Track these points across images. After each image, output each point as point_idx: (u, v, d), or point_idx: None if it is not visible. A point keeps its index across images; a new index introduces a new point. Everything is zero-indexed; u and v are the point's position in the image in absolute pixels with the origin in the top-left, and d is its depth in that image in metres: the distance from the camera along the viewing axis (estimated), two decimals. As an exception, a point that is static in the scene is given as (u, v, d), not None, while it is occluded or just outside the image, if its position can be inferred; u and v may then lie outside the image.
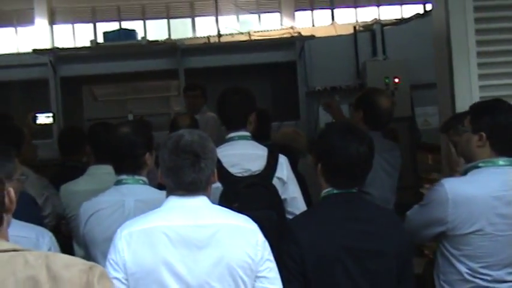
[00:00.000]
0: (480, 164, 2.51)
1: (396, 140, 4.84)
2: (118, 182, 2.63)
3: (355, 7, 17.94)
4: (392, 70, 6.22)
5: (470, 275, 2.46)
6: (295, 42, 6.32)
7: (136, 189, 2.58)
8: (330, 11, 17.96)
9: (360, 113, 3.50)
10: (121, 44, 6.04)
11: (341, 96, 6.06)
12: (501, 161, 2.47)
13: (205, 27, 15.95)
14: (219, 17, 17.25)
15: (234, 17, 17.35)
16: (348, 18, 16.23)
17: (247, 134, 3.10)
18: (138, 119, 3.04)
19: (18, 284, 1.39)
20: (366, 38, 6.56)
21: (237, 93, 3.20)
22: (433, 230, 2.54)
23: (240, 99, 3.16)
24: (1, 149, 2.34)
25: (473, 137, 2.53)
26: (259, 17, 17.74)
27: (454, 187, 2.49)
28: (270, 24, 14.82)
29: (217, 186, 2.86)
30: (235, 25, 16.54)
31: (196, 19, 17.08)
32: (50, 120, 4.90)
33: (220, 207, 2.23)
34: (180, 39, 7.56)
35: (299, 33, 6.56)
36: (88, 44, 6.17)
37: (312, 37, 6.17)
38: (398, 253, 2.32)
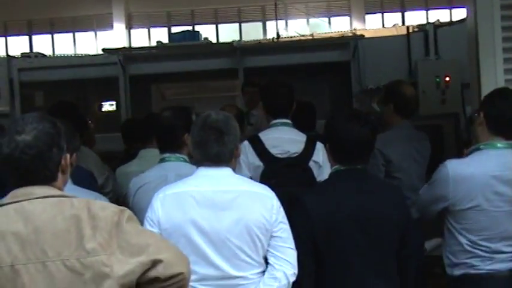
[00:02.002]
0: (481, 146, 2.77)
1: (441, 135, 5.04)
2: (162, 160, 3.04)
3: (427, 10, 17.90)
4: (444, 69, 6.37)
5: (470, 246, 2.73)
6: (350, 43, 6.56)
7: (177, 165, 2.97)
8: (400, 13, 18.01)
9: (390, 106, 3.78)
10: (184, 45, 6.49)
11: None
12: (499, 144, 2.72)
13: (275, 30, 16.34)
14: (290, 21, 17.68)
15: (304, 20, 17.69)
16: (418, 19, 16.24)
17: (289, 121, 3.51)
18: (180, 107, 3.47)
19: (65, 219, 1.79)
20: (419, 39, 6.72)
21: (282, 85, 3.59)
22: (437, 205, 2.82)
23: (284, 91, 3.55)
24: (69, 128, 2.77)
25: (476, 118, 2.80)
26: (330, 20, 17.99)
27: (455, 167, 2.76)
28: (340, 28, 15.06)
29: (259, 164, 3.28)
30: (306, 29, 16.89)
31: (267, 23, 17.49)
32: (113, 108, 5.40)
33: (241, 177, 2.60)
34: (248, 41, 7.94)
35: (354, 33, 6.79)
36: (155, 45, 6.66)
37: (362, 37, 6.40)
38: (400, 222, 2.61)
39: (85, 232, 1.77)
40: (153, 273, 1.77)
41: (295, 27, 16.96)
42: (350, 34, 6.87)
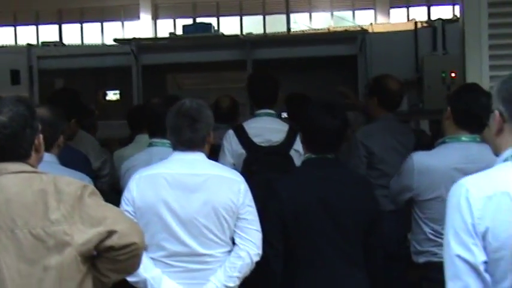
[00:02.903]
0: (446, 140, 2.90)
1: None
2: (149, 145, 3.26)
3: (453, 5, 17.77)
4: (450, 65, 6.41)
5: (433, 234, 2.85)
6: (357, 37, 6.66)
7: (162, 150, 3.15)
8: (426, 7, 17.91)
9: (374, 99, 3.92)
10: (195, 36, 6.69)
11: (400, 88, 6.40)
12: (464, 137, 2.84)
13: (301, 23, 16.42)
14: (314, 14, 17.75)
15: (328, 13, 17.74)
16: (445, 14, 16.13)
17: (272, 112, 3.66)
18: (170, 95, 3.67)
19: (34, 193, 1.99)
20: (427, 34, 6.79)
21: (267, 78, 3.77)
22: (404, 195, 2.96)
23: (269, 83, 3.71)
24: (57, 111, 2.97)
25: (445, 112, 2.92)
26: (354, 13, 18.00)
27: (420, 159, 2.89)
28: (364, 21, 15.09)
29: (242, 152, 3.46)
30: (329, 22, 16.95)
31: (293, 15, 17.55)
32: (117, 97, 5.63)
33: (213, 161, 2.76)
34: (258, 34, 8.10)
35: (361, 28, 6.90)
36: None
37: (366, 31, 6.50)
38: (366, 212, 2.73)
39: (50, 204, 1.97)
40: (108, 242, 1.96)
41: (319, 21, 17.07)
42: (358, 29, 6.92)
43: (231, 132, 3.56)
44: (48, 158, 2.72)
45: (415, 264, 3.00)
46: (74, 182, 2.07)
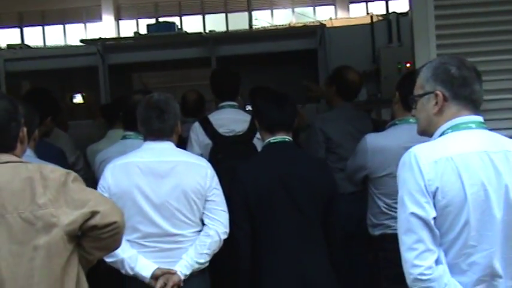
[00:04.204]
0: (396, 122, 3.19)
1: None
2: (123, 137, 3.47)
3: (410, -2, 18.20)
4: (406, 56, 6.71)
5: (387, 208, 3.13)
6: (316, 31, 6.93)
7: (136, 142, 3.34)
8: (384, 2, 18.33)
9: (333, 88, 4.18)
10: (160, 35, 6.87)
11: (358, 79, 6.70)
12: (411, 119, 3.10)
13: (262, 20, 16.65)
14: (275, 10, 18.01)
15: (289, 10, 18.02)
16: (403, 7, 16.53)
17: (235, 103, 3.89)
18: (143, 90, 3.90)
19: (21, 180, 2.17)
20: (383, 27, 7.10)
21: (229, 72, 4.00)
22: (360, 173, 3.23)
23: (231, 77, 3.94)
24: (30, 109, 3.14)
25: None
26: (314, 10, 18.32)
27: (372, 140, 3.17)
28: (325, 17, 15.40)
29: (208, 142, 3.68)
30: (291, 18, 17.24)
31: (254, 13, 17.78)
32: (81, 100, 5.84)
33: (180, 149, 2.98)
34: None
35: (320, 23, 7.17)
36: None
37: (324, 26, 6.78)
38: (324, 191, 2.97)
39: (37, 190, 2.15)
40: (91, 222, 2.16)
41: (280, 17, 17.35)
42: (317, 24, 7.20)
43: (197, 124, 3.79)
44: (26, 151, 2.90)
45: (371, 237, 3.27)
46: (57, 169, 2.27)
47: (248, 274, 2.90)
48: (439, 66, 2.07)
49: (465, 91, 2.01)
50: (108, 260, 2.76)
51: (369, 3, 18.21)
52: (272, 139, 3.01)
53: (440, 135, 2.05)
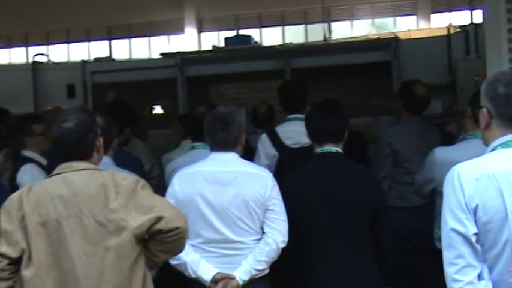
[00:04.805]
0: (467, 136, 3.21)
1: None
2: (192, 148, 3.64)
3: (496, 7, 17.67)
4: (483, 68, 6.63)
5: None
6: (391, 44, 6.94)
7: (203, 152, 3.50)
8: (469, 11, 17.90)
9: (401, 102, 4.21)
10: (236, 48, 7.10)
11: (433, 92, 6.65)
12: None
13: (337, 32, 16.68)
14: (355, 21, 17.98)
15: (369, 21, 17.93)
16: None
17: (302, 116, 3.98)
18: (209, 104, 4.07)
19: (96, 186, 2.37)
20: (460, 39, 7.00)
21: (298, 84, 4.12)
22: (427, 186, 3.27)
23: (299, 89, 4.06)
24: (109, 120, 3.38)
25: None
26: (395, 20, 18.14)
27: (441, 153, 3.20)
28: (406, 27, 15.23)
29: (275, 154, 3.81)
30: (371, 29, 17.16)
31: (334, 24, 17.81)
32: (161, 111, 6.11)
33: (245, 160, 3.11)
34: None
35: (395, 35, 7.17)
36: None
37: (397, 38, 6.77)
38: (370, 201, 3.01)
39: (110, 196, 2.36)
40: (157, 226, 2.33)
41: (360, 29, 17.30)
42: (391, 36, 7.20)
43: (264, 136, 3.93)
44: (105, 159, 3.12)
45: (439, 250, 3.27)
46: (128, 177, 2.47)
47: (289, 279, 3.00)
48: (491, 82, 2.11)
49: (507, 110, 2.04)
50: (172, 262, 2.94)
51: (452, 13, 17.81)
52: (320, 150, 3.11)
53: (491, 151, 2.08)
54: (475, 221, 1.97)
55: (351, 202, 2.98)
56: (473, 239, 1.97)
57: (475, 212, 1.96)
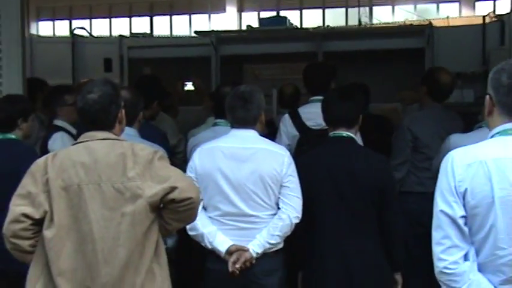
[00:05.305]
0: (483, 124, 3.25)
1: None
2: (214, 124, 3.77)
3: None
4: (518, 58, 6.57)
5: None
6: (425, 30, 6.92)
7: (225, 129, 3.61)
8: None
9: (424, 88, 4.25)
10: (270, 29, 7.17)
11: (465, 81, 6.64)
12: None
13: (381, 16, 16.51)
14: (397, 7, 17.78)
15: (411, 6, 17.69)
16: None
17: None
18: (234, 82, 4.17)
19: (116, 155, 2.50)
20: (495, 28, 6.94)
21: (322, 66, 4.18)
22: None
23: (323, 71, 4.13)
24: (136, 92, 3.52)
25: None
26: (438, 6, 17.87)
27: (456, 140, 3.25)
28: (449, 14, 15.00)
29: (296, 134, 3.90)
30: (412, 15, 16.94)
31: (374, 8, 17.65)
32: (192, 88, 6.25)
33: (263, 138, 3.20)
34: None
35: (429, 22, 7.14)
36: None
37: (431, 25, 6.73)
38: (378, 186, 3.06)
39: (128, 165, 2.48)
40: (171, 196, 2.45)
41: (402, 14, 17.09)
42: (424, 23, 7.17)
43: (286, 116, 4.02)
44: (131, 131, 3.28)
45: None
46: (147, 148, 2.60)
47: (299, 256, 3.11)
48: (497, 71, 2.16)
49: (508, 100, 2.09)
50: (190, 233, 3.08)
51: (497, 1, 17.43)
52: (332, 134, 3.20)
53: (490, 138, 2.14)
54: (464, 205, 2.03)
55: (357, 187, 3.04)
56: (461, 221, 2.03)
57: (463, 196, 2.03)
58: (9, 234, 2.46)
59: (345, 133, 3.18)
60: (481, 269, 2.03)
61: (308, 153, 3.30)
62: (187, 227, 3.02)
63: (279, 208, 3.09)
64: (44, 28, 19.06)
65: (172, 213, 2.51)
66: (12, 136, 3.64)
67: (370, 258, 3.05)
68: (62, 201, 2.45)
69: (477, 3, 17.44)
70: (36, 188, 2.47)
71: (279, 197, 3.07)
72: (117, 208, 2.45)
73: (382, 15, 15.95)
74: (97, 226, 2.44)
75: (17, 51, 4.52)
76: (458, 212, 2.04)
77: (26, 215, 2.44)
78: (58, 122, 4.07)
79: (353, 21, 15.37)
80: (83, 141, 2.57)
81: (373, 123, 4.30)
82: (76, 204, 2.46)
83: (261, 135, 3.19)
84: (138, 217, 2.45)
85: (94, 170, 2.48)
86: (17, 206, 2.46)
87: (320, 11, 17.93)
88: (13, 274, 3.33)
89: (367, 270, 3.04)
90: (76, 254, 2.43)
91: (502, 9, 15.95)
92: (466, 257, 2.04)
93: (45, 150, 3.74)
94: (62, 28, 18.58)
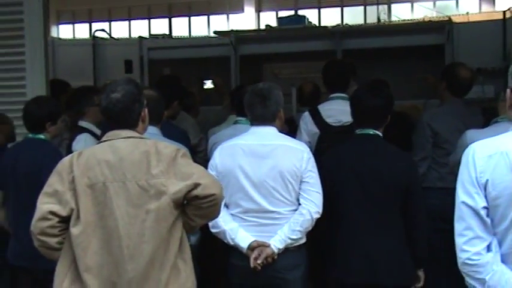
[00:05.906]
0: (499, 119, 3.24)
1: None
2: (235, 122, 3.81)
3: None
4: (540, 54, 6.52)
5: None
6: (445, 26, 6.88)
7: (245, 127, 3.66)
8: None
9: (443, 84, 4.25)
10: (288, 28, 7.19)
11: (486, 77, 6.60)
12: (514, 117, 3.15)
13: (400, 13, 16.43)
14: (415, 3, 17.68)
15: (430, 3, 17.59)
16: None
17: (345, 95, 4.09)
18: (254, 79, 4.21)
19: (140, 153, 2.54)
20: (517, 24, 6.88)
21: (340, 64, 4.20)
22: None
23: (342, 69, 4.16)
24: (159, 92, 3.57)
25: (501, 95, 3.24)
26: (457, 2, 17.75)
27: (473, 135, 3.24)
28: (469, 10, 14.89)
29: (316, 131, 3.93)
30: (431, 11, 16.83)
31: (392, 6, 17.56)
32: (212, 86, 6.30)
33: (282, 134, 3.24)
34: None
35: (449, 18, 7.10)
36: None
37: (451, 21, 6.70)
38: (403, 183, 3.07)
39: (152, 162, 2.53)
40: (194, 192, 2.50)
41: (421, 11, 16.99)
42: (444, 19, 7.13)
43: (306, 113, 4.05)
44: (154, 130, 3.33)
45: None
46: (170, 146, 2.64)
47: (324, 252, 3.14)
48: None
49: None
50: (213, 230, 3.12)
51: (518, -3, 17.24)
52: (358, 131, 3.21)
53: (511, 131, 2.15)
54: (485, 196, 2.04)
55: (383, 184, 3.06)
56: (482, 212, 2.04)
57: (485, 187, 2.04)
58: (37, 231, 2.52)
59: (371, 130, 3.19)
60: (504, 259, 2.04)
61: (334, 149, 3.32)
62: (210, 224, 3.07)
63: (299, 204, 3.11)
64: (64, 31, 19.27)
65: (195, 209, 2.55)
66: (42, 136, 3.76)
67: (393, 256, 3.07)
68: (88, 198, 2.50)
69: (497, -1, 17.27)
70: (62, 186, 2.53)
71: (299, 193, 3.10)
72: (141, 205, 2.50)
73: (401, 13, 15.87)
74: (122, 223, 2.49)
75: (40, 53, 4.60)
76: (480, 203, 2.05)
77: (53, 213, 2.50)
78: (83, 123, 4.13)
79: (371, 19, 15.36)
80: (107, 140, 2.63)
81: (393, 119, 4.30)
82: (102, 202, 2.50)
83: (281, 132, 3.22)
84: (162, 214, 2.50)
85: (119, 168, 2.53)
86: (44, 204, 2.52)
87: (338, 9, 17.89)
88: (38, 272, 3.41)
89: (391, 267, 3.06)
90: (102, 250, 2.47)
91: (523, 4, 15.83)
92: (488, 248, 2.05)
93: (70, 152, 3.81)
94: (81, 31, 18.77)
